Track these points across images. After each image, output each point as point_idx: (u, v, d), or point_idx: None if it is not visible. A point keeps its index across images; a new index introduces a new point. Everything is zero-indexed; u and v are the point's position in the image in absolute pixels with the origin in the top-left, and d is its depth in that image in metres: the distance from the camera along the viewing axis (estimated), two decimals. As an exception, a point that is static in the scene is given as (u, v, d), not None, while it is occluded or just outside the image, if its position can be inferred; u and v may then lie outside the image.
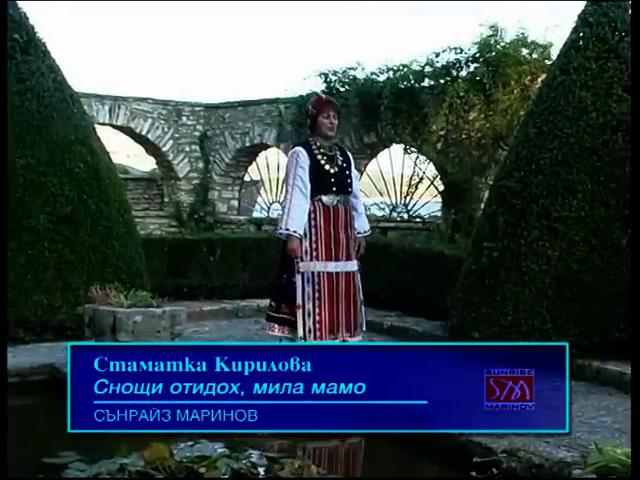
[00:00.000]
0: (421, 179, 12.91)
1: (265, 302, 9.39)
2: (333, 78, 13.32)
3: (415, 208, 13.41)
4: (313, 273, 6.00)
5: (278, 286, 6.18)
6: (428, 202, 13.43)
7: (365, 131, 13.13)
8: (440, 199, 12.57)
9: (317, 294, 5.98)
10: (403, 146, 12.75)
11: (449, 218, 11.57)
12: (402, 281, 8.98)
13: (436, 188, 12.60)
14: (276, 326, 6.12)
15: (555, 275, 6.44)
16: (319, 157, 6.13)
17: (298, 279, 5.99)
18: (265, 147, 15.46)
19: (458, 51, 11.66)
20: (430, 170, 12.62)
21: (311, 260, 6.00)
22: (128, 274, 7.82)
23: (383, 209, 13.69)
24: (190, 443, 4.28)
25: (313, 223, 6.03)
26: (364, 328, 6.30)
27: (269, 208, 16.17)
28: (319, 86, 13.39)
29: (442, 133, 11.48)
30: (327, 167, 6.13)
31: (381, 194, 14.13)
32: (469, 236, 8.31)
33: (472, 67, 11.46)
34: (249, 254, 10.20)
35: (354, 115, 13.07)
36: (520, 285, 6.52)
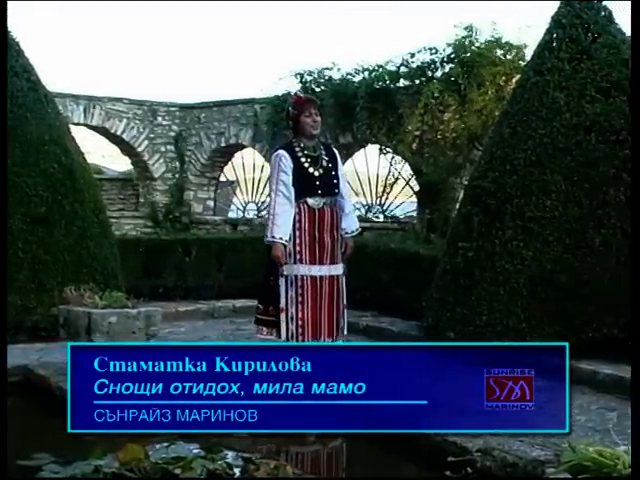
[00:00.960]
0: (396, 179, 12.96)
1: (240, 302, 9.49)
2: (308, 78, 13.35)
3: (391, 208, 13.45)
4: (297, 276, 5.91)
5: (265, 289, 6.09)
6: (403, 202, 13.48)
7: (340, 131, 13.15)
8: (415, 199, 12.62)
9: (300, 298, 5.90)
10: (378, 146, 12.81)
11: (424, 218, 11.61)
12: (378, 281, 8.99)
13: (411, 188, 12.64)
14: (264, 329, 6.03)
15: (529, 275, 6.48)
16: (302, 160, 5.98)
17: (282, 282, 5.90)
18: (241, 147, 15.46)
19: (433, 52, 11.74)
20: (405, 170, 12.68)
21: (295, 263, 5.91)
22: (103, 275, 7.79)
23: (359, 209, 13.71)
24: (165, 444, 4.26)
25: (298, 226, 5.92)
26: (345, 332, 6.17)
27: (245, 208, 16.17)
28: (294, 86, 13.42)
29: (417, 133, 11.53)
30: (311, 170, 5.97)
31: (357, 194, 14.15)
32: (444, 236, 8.35)
33: (447, 68, 11.54)
34: (225, 254, 10.18)
35: (329, 115, 13.06)
36: (495, 285, 6.56)
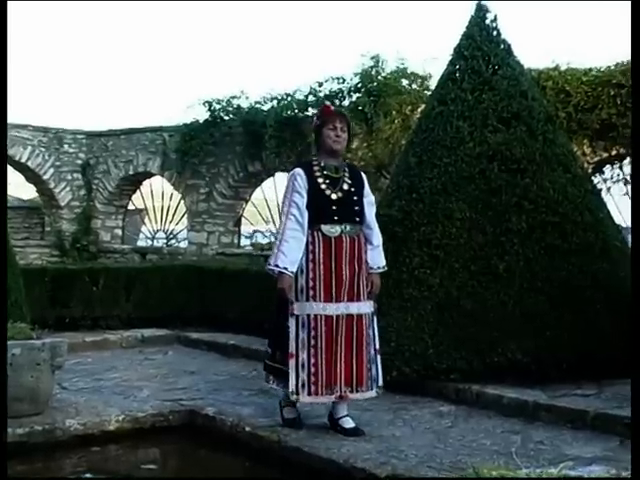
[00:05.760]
0: (306, 207, 13.00)
1: (149, 332, 9.40)
2: (217, 107, 13.37)
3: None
4: (309, 316, 5.15)
5: (274, 330, 5.41)
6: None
7: (249, 160, 13.19)
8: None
9: (313, 341, 5.12)
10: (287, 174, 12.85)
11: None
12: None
13: (321, 216, 12.69)
14: (271, 377, 5.42)
15: (436, 301, 6.56)
16: (320, 180, 5.28)
17: (292, 323, 5.16)
18: (149, 175, 15.36)
19: (340, 81, 11.88)
20: (315, 198, 12.73)
21: (307, 300, 5.15)
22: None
23: (267, 237, 13.74)
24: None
25: (311, 257, 5.19)
26: (380, 383, 5.39)
27: (153, 237, 16.05)
28: (203, 114, 13.44)
29: (326, 162, 11.60)
30: (328, 192, 5.27)
31: (266, 222, 14.19)
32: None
33: (354, 97, 11.67)
34: (133, 284, 10.05)
35: (238, 144, 13.16)
36: (402, 312, 6.60)
